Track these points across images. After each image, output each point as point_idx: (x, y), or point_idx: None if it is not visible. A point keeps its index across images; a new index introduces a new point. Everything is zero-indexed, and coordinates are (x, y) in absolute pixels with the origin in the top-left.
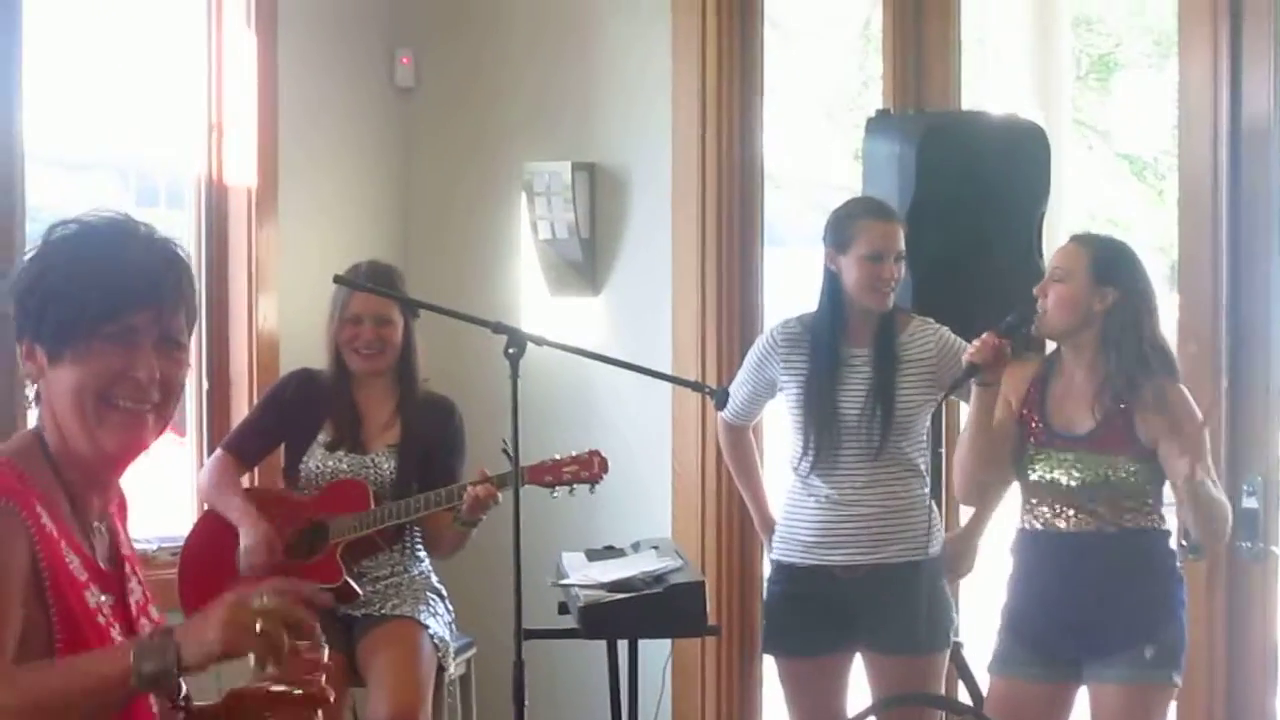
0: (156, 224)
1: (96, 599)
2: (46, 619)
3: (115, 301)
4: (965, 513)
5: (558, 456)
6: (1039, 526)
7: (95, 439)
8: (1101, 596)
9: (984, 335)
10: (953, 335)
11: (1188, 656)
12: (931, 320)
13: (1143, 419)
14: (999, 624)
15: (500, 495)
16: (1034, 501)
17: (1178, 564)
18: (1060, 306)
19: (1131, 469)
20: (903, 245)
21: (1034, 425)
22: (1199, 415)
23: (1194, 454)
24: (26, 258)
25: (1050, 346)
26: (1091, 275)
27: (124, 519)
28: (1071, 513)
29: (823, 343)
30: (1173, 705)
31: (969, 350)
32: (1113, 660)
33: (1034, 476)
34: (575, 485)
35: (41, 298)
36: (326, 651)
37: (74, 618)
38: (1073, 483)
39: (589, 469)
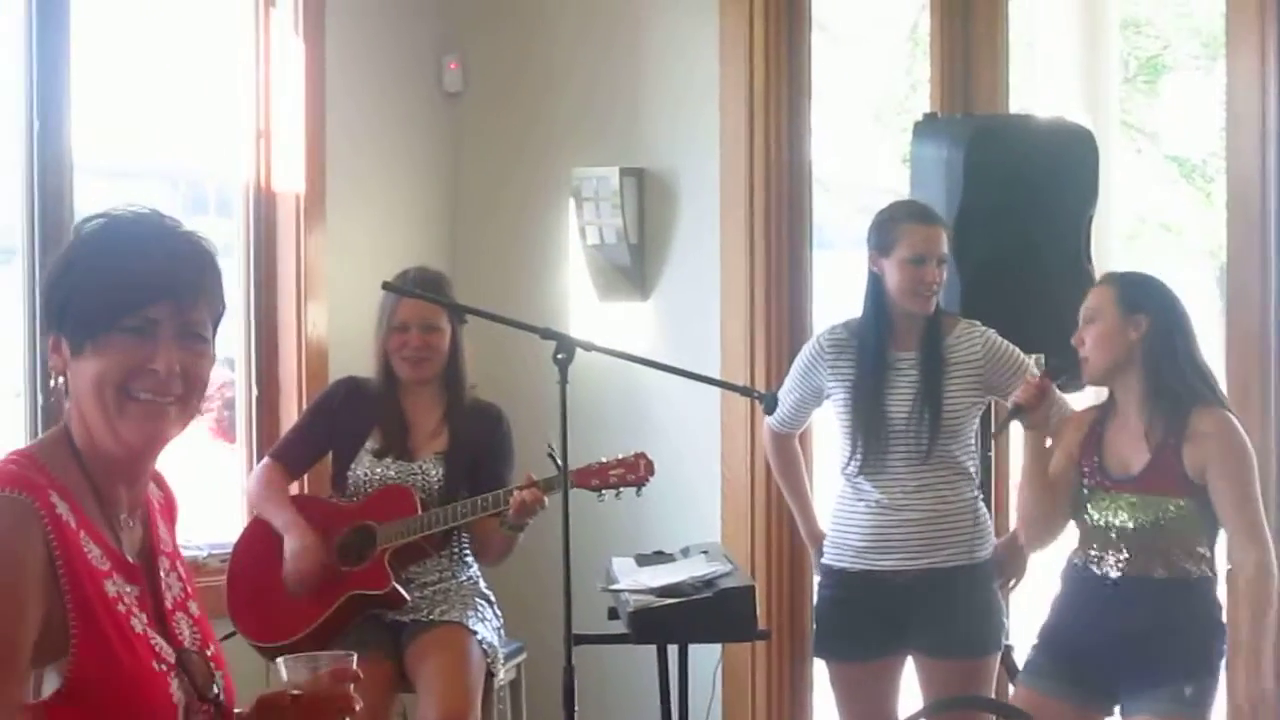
0: (206, 231)
1: (119, 588)
2: (62, 606)
3: (134, 294)
4: (1015, 517)
5: (604, 459)
6: (1090, 566)
7: (116, 430)
8: (1141, 643)
9: (1027, 377)
10: (999, 338)
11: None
12: (978, 323)
13: (1189, 450)
14: (1036, 638)
15: (546, 499)
16: (1088, 541)
17: (1222, 616)
18: (1098, 346)
19: (1180, 504)
20: (945, 249)
21: (1089, 468)
22: (1246, 446)
23: (1238, 498)
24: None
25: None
26: (1120, 307)
27: (171, 517)
28: (1124, 557)
29: (869, 347)
30: None
31: (1015, 394)
32: (1155, 694)
33: (1089, 520)
34: (622, 488)
35: (65, 291)
36: (354, 659)
37: (89, 604)
38: (1128, 525)
39: (635, 471)
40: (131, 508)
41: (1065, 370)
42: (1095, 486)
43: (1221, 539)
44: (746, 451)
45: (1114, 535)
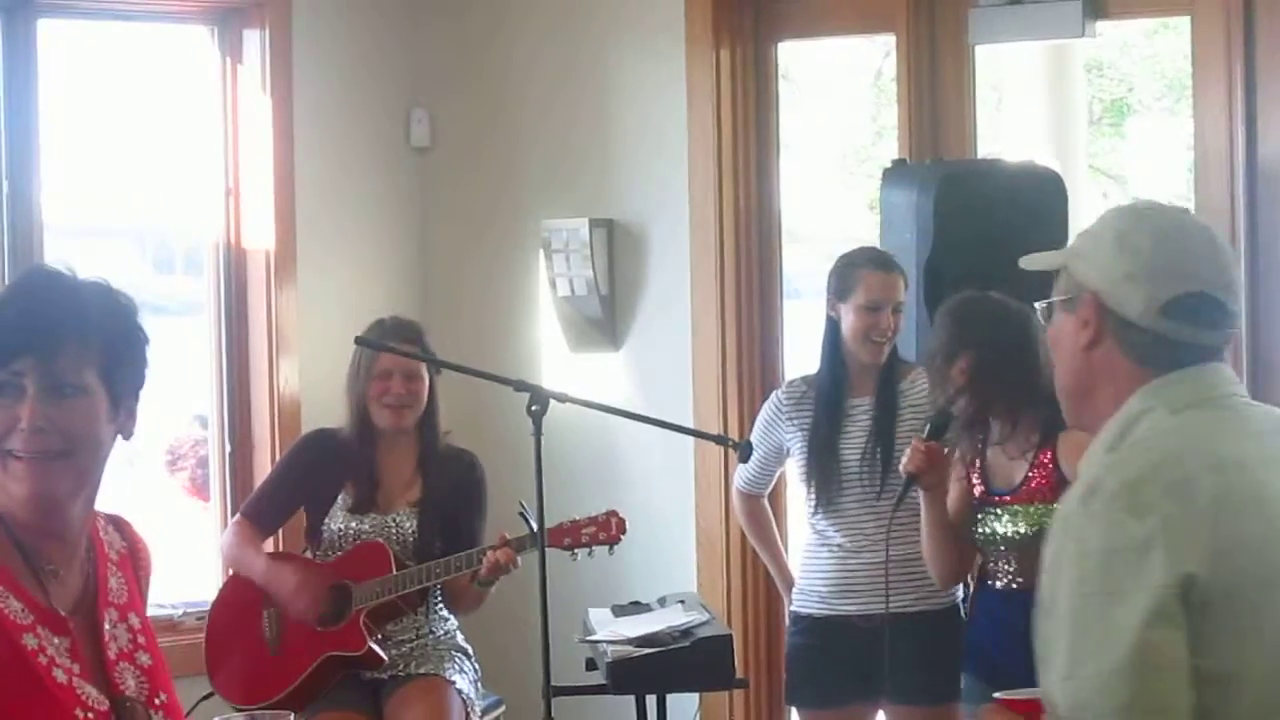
0: (174, 290)
1: (42, 640)
2: None
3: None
4: None
5: (576, 518)
6: (987, 581)
7: (6, 488)
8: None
9: (913, 444)
10: None
11: None
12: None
13: (1063, 452)
14: (963, 667)
15: (519, 559)
16: (984, 557)
17: None
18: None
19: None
20: (902, 296)
21: (979, 491)
22: None
23: None
24: None
25: None
26: (943, 353)
27: (136, 567)
28: (1012, 569)
29: (825, 392)
30: None
31: (903, 462)
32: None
33: (980, 536)
34: (594, 547)
35: None
36: (292, 718)
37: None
38: (1014, 536)
39: (607, 530)
40: (65, 560)
41: (948, 425)
42: (984, 503)
43: None
44: (721, 501)
45: (1003, 547)
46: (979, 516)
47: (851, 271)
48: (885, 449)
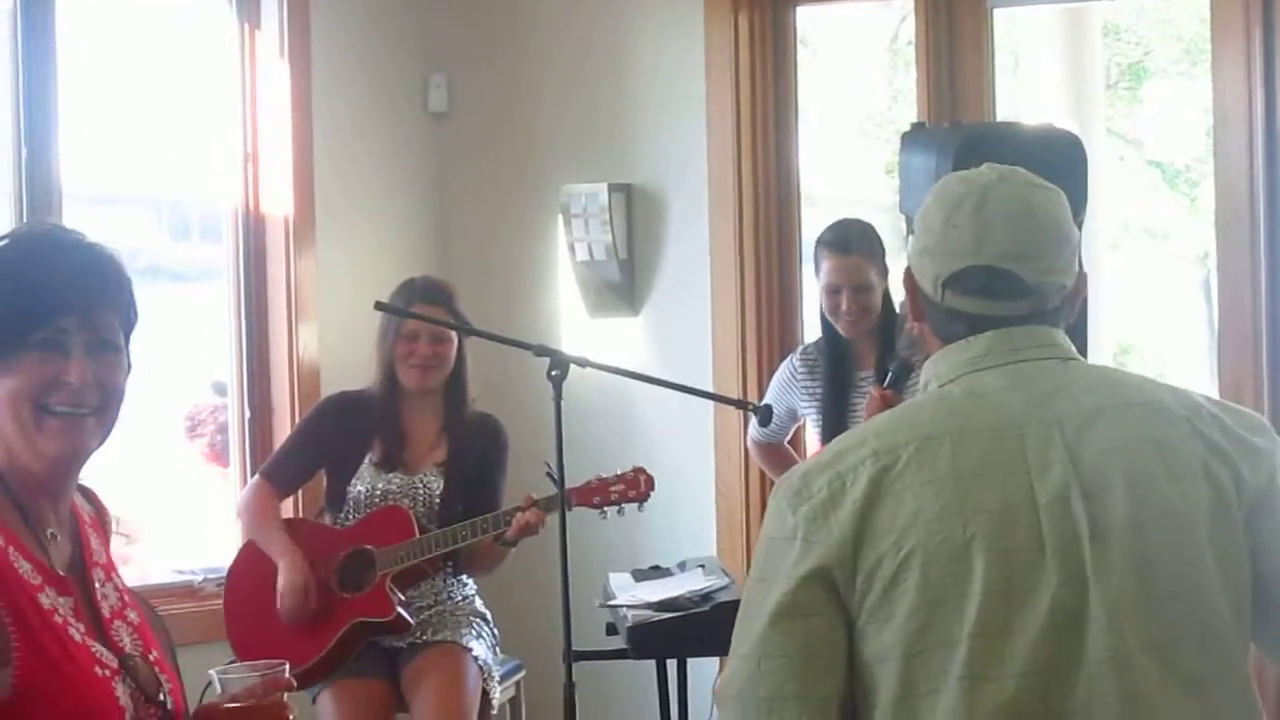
0: (191, 257)
1: (53, 600)
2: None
3: (41, 308)
4: None
5: (603, 476)
6: None
7: (36, 446)
8: None
9: (871, 391)
10: None
11: None
12: None
13: None
14: None
15: (546, 519)
16: None
17: None
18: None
19: None
20: (867, 277)
21: None
22: None
23: None
24: None
25: None
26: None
27: (104, 530)
28: None
29: (826, 366)
30: None
31: (863, 409)
32: None
33: None
34: (624, 505)
35: None
36: (287, 669)
37: (25, 616)
38: None
39: (635, 487)
40: (59, 523)
41: (909, 375)
42: None
43: None
44: (741, 465)
45: None
46: None
47: (818, 250)
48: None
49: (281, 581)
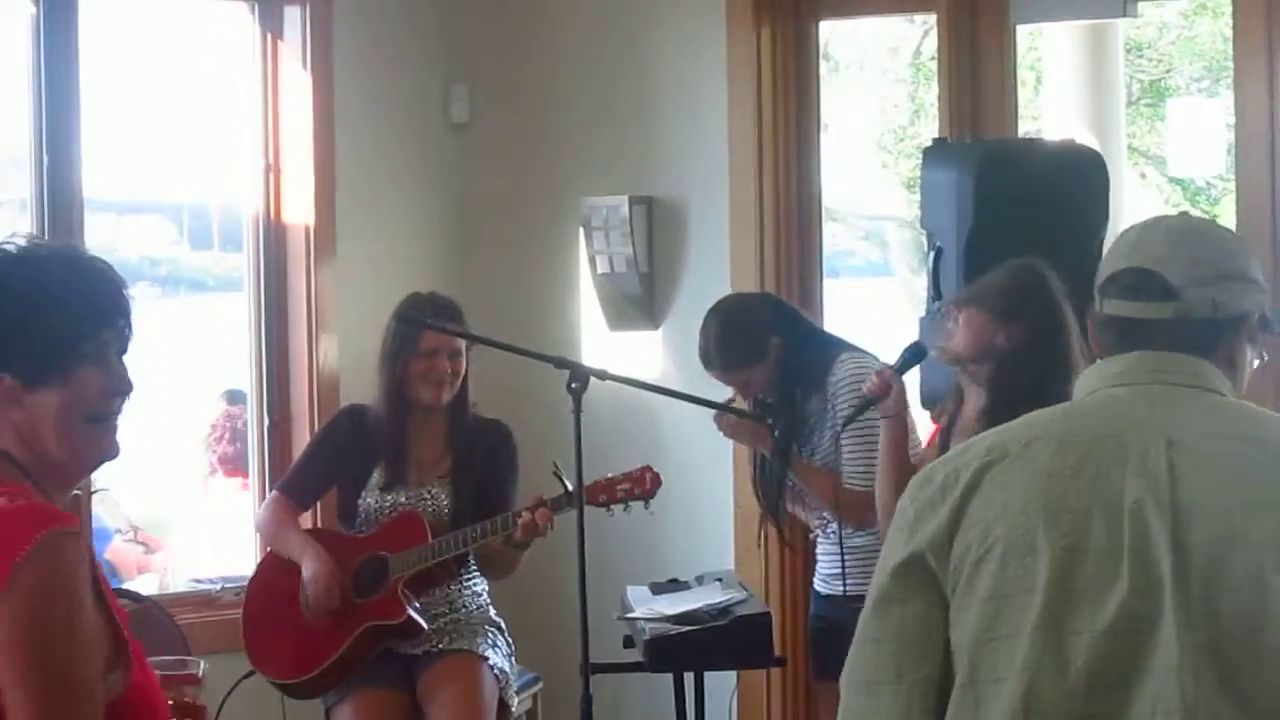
0: (211, 266)
1: None
2: (110, 625)
3: (89, 321)
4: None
5: (610, 475)
6: None
7: (81, 455)
8: None
9: (878, 369)
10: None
11: None
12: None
13: None
14: None
15: (555, 520)
16: None
17: None
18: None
19: None
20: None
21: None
22: None
23: None
24: None
25: None
26: (998, 307)
27: None
28: None
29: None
30: None
31: (866, 385)
32: None
33: None
34: (630, 502)
35: (10, 330)
36: (201, 665)
37: (118, 619)
38: None
39: (641, 485)
40: None
41: (919, 361)
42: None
43: None
44: None
45: None
46: None
47: None
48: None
49: (306, 574)
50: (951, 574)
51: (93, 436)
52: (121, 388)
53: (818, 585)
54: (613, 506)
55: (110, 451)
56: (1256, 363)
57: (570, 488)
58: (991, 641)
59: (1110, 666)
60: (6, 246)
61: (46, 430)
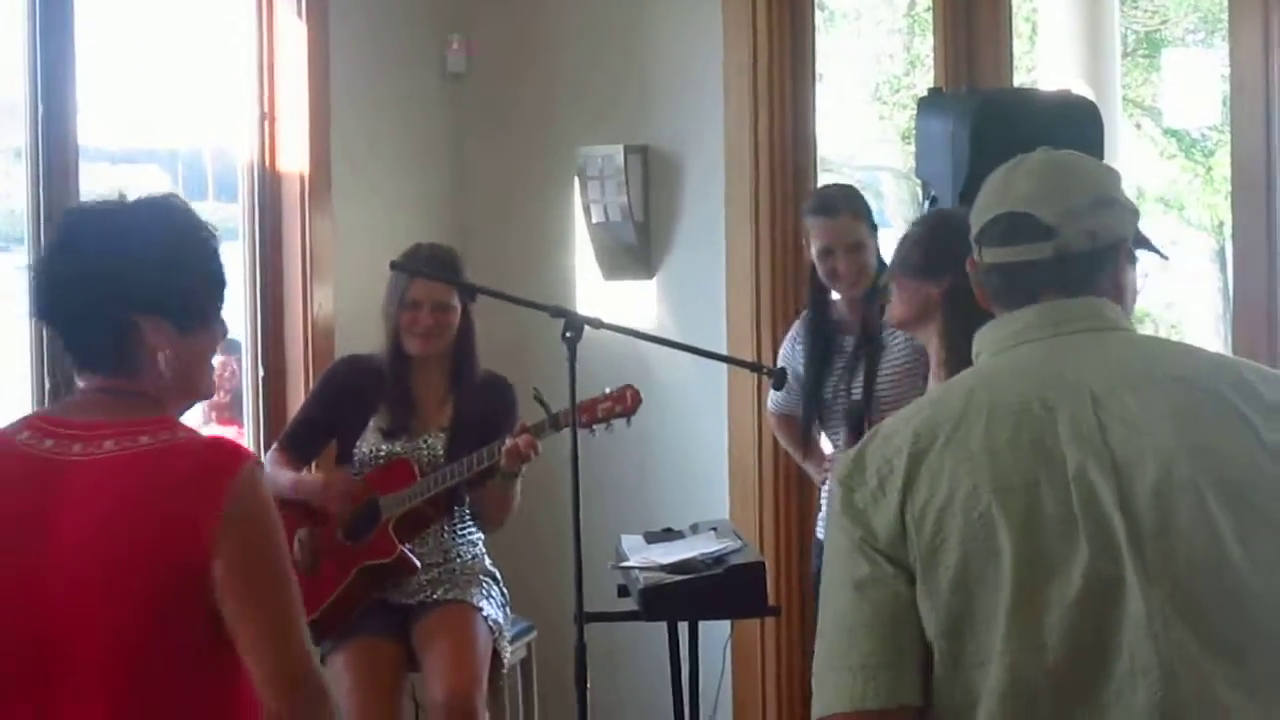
0: (207, 216)
1: None
2: None
3: (220, 276)
4: None
5: (593, 395)
6: None
7: (205, 392)
8: None
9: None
10: None
11: None
12: None
13: None
14: None
15: (539, 445)
16: None
17: None
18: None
19: None
20: (859, 236)
21: None
22: None
23: None
24: (116, 237)
25: None
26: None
27: None
28: None
29: (809, 332)
30: None
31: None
32: None
33: None
34: (612, 420)
35: (187, 283)
36: None
37: None
38: None
39: (623, 403)
40: None
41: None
42: None
43: None
44: (754, 428)
45: None
46: None
47: (806, 217)
48: (866, 387)
49: (312, 492)
50: (911, 565)
51: (210, 376)
52: (225, 336)
53: (821, 532)
54: (595, 426)
55: (213, 390)
56: (1141, 282)
57: (552, 412)
58: (968, 628)
59: (1085, 634)
60: (144, 200)
61: (193, 370)
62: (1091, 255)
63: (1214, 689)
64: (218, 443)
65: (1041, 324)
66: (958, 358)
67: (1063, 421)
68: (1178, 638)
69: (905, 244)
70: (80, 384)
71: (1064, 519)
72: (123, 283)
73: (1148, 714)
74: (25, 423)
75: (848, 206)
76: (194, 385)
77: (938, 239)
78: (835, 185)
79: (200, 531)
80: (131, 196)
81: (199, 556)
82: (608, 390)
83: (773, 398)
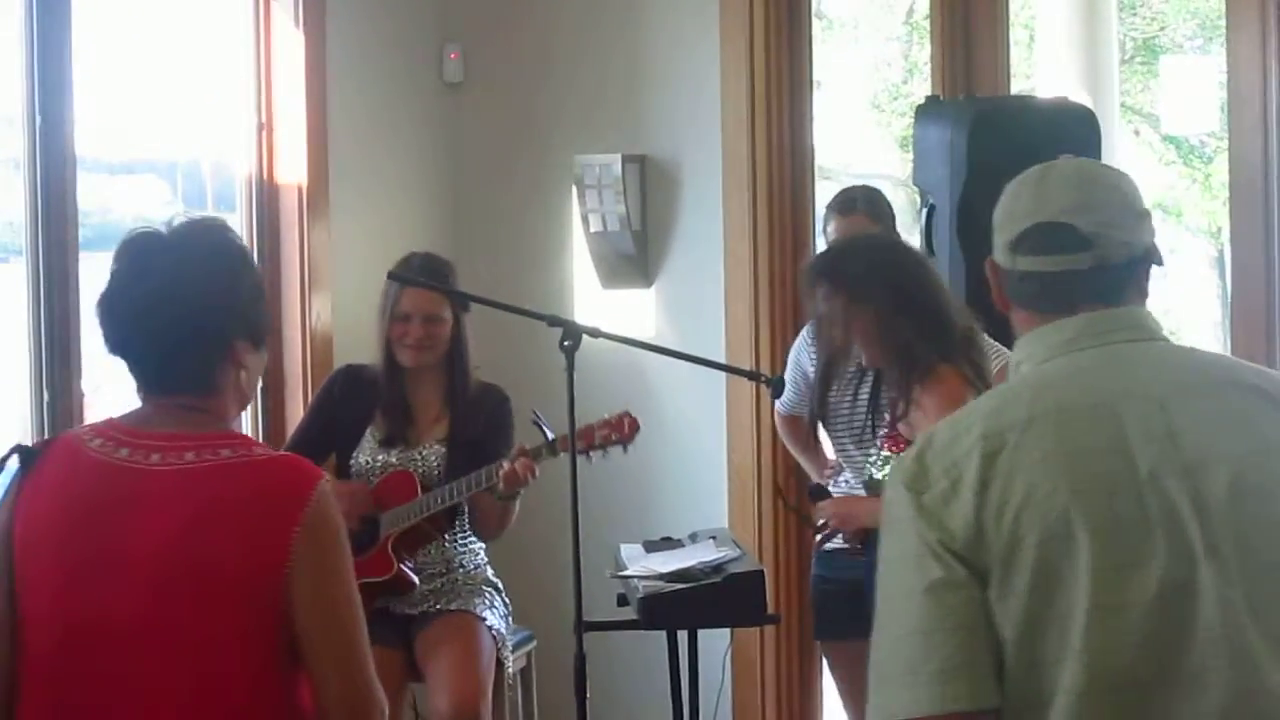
0: None
1: None
2: None
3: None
4: None
5: (590, 422)
6: None
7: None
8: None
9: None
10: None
11: None
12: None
13: (914, 417)
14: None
15: (537, 469)
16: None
17: None
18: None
19: (880, 465)
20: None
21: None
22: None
23: None
24: (218, 268)
25: None
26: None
27: None
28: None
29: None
30: None
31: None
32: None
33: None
34: (609, 448)
35: (259, 304)
36: None
37: None
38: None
39: (620, 430)
40: None
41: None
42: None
43: None
44: (753, 437)
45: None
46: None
47: (826, 215)
48: (873, 391)
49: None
50: (985, 566)
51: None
52: None
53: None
54: (592, 453)
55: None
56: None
57: (550, 437)
58: (1044, 627)
59: (1161, 635)
60: (196, 222)
61: (253, 385)
62: (1127, 265)
63: None
64: (294, 459)
65: (1091, 333)
66: (889, 376)
67: (1131, 425)
68: (1250, 640)
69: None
70: (147, 399)
71: (1140, 521)
72: (215, 308)
73: (1220, 715)
74: (95, 430)
75: (866, 207)
76: (248, 399)
77: (852, 275)
78: (860, 186)
79: (278, 544)
80: (176, 221)
81: (276, 568)
82: (606, 416)
83: (783, 398)
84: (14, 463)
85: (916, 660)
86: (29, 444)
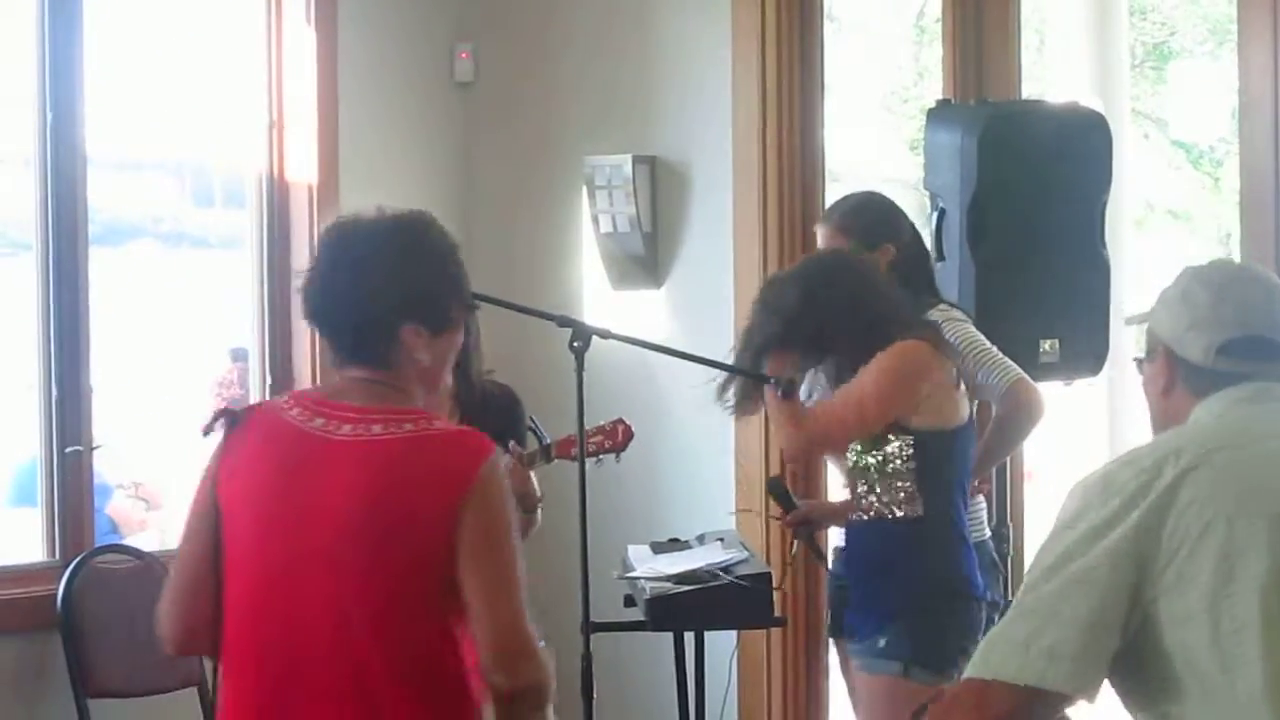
0: (214, 224)
1: None
2: None
3: (463, 281)
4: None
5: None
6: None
7: (447, 386)
8: (851, 582)
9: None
10: (971, 329)
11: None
12: (958, 312)
13: None
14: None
15: (532, 475)
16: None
17: (931, 559)
18: None
19: (893, 441)
20: (834, 243)
21: None
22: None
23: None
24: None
25: None
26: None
27: None
28: (848, 497)
29: None
30: None
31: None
32: (857, 648)
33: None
34: (602, 455)
35: (438, 289)
36: None
37: None
38: (857, 464)
39: (613, 438)
40: None
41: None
42: None
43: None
44: (760, 439)
45: (854, 475)
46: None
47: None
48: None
49: None
50: (1161, 562)
51: (448, 374)
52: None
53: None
54: (587, 459)
55: (448, 387)
56: None
57: (545, 442)
58: (1225, 636)
59: None
60: (396, 215)
61: (439, 367)
62: None
63: None
64: (470, 432)
65: (1263, 395)
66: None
67: None
68: None
69: (751, 333)
70: (341, 374)
71: None
72: (389, 295)
73: None
74: (292, 398)
75: (839, 219)
76: (436, 381)
77: (776, 309)
78: (856, 194)
79: (452, 505)
80: (388, 212)
81: (448, 526)
82: (600, 423)
83: (804, 391)
84: (220, 425)
85: (1036, 633)
86: (235, 410)
